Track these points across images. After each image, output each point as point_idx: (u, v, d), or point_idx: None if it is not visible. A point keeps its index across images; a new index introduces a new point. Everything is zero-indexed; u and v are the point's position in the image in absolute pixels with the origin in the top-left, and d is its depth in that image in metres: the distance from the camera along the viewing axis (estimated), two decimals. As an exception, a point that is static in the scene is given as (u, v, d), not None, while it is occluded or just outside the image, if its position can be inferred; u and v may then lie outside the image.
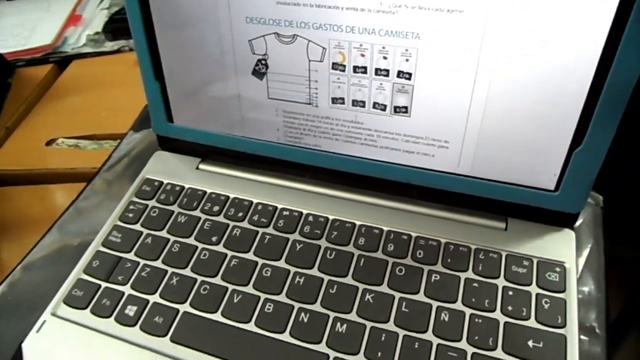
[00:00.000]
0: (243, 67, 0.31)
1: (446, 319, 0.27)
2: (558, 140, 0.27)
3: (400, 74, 0.28)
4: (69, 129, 0.51)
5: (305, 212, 0.32)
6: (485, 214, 0.31)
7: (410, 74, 0.28)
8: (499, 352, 0.26)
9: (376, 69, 0.28)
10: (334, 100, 0.30)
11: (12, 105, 0.56)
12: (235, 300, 0.28)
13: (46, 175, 0.47)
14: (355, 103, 0.30)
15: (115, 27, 0.66)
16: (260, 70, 0.30)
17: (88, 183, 0.39)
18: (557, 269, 0.28)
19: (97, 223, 0.34)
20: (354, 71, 0.29)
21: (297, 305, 0.28)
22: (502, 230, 0.31)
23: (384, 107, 0.29)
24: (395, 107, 0.29)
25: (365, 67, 0.28)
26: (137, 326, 0.28)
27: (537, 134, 0.27)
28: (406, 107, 0.29)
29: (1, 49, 0.59)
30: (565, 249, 0.29)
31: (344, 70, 0.29)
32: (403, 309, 0.27)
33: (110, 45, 0.64)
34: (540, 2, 0.23)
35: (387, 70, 0.28)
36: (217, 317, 0.28)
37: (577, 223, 0.31)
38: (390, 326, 0.27)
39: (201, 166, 0.36)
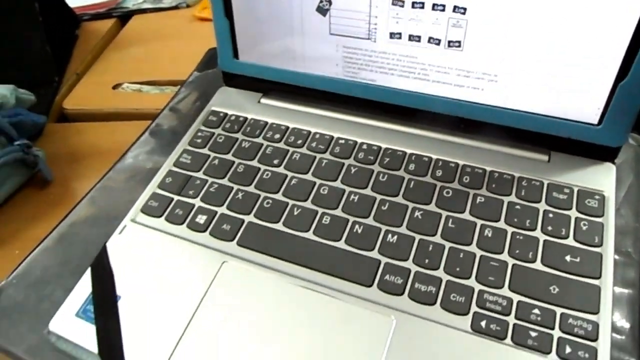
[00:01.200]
0: (308, 4, 0.33)
1: (489, 235, 0.29)
2: (604, 73, 0.29)
3: (455, 8, 0.30)
4: (133, 76, 0.55)
5: (360, 141, 0.35)
6: (530, 147, 0.33)
7: (465, 9, 0.30)
8: (537, 265, 0.28)
9: (433, 4, 0.31)
10: (392, 35, 0.32)
11: (80, 54, 0.60)
12: (295, 213, 0.32)
13: (114, 115, 0.51)
14: (411, 38, 0.32)
15: (174, -17, 0.69)
16: (324, 7, 0.33)
17: (157, 115, 0.42)
18: (597, 197, 0.30)
19: (167, 150, 0.38)
20: (412, 6, 0.31)
21: (351, 219, 0.31)
22: (545, 162, 0.33)
23: (438, 42, 0.32)
24: (449, 42, 0.31)
25: (423, 3, 0.31)
26: (207, 232, 0.32)
27: (583, 67, 0.29)
28: (459, 42, 0.31)
29: (69, 4, 0.63)
30: (605, 180, 0.31)
31: (402, 6, 0.31)
32: (449, 225, 0.30)
33: (168, 2, 0.68)
34: None
35: (444, 5, 0.30)
36: (279, 226, 0.31)
37: (619, 160, 0.33)
38: (437, 239, 0.30)
39: (263, 100, 0.39)
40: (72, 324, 0.29)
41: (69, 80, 0.56)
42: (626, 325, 0.26)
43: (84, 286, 0.30)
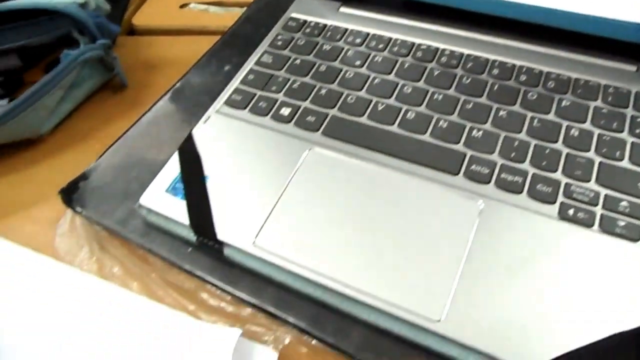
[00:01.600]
0: None
1: (575, 135, 0.29)
2: None
3: None
4: (199, -3, 0.56)
5: (442, 47, 0.35)
6: (618, 58, 0.33)
7: None
8: (625, 163, 0.28)
9: None
10: None
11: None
12: (379, 109, 0.32)
13: (182, 31, 0.51)
14: None
15: None
16: None
17: (236, 22, 0.43)
18: None
19: (244, 54, 0.38)
20: None
21: (436, 115, 0.31)
22: (633, 72, 0.32)
23: None
24: None
25: None
26: (292, 123, 0.33)
27: None
28: None
29: None
30: None
31: None
32: (534, 124, 0.30)
33: None
34: None
35: None
36: (363, 120, 0.32)
37: None
38: (523, 136, 0.30)
39: (342, 9, 0.39)
40: (162, 199, 0.30)
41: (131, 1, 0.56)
42: None
43: (172, 167, 0.32)
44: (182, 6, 0.55)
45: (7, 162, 0.38)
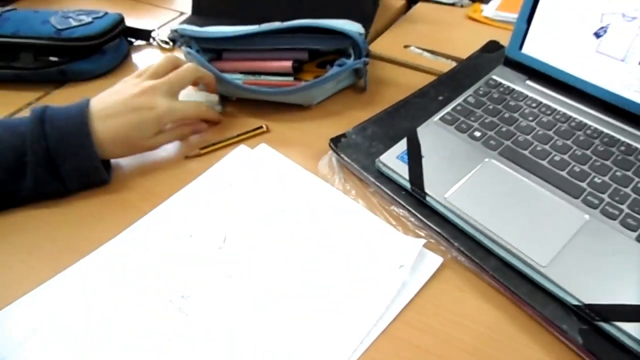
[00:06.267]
0: (589, 29, 0.54)
1: None
2: None
3: None
4: (418, 42, 0.80)
5: (589, 123, 0.55)
6: None
7: None
8: None
9: None
10: None
11: (379, 18, 0.86)
12: (538, 149, 0.53)
13: (403, 64, 0.75)
14: None
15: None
16: (599, 33, 0.53)
17: (452, 69, 0.66)
18: None
19: (457, 92, 0.61)
20: None
21: (573, 163, 0.51)
22: None
23: None
24: None
25: None
26: (480, 141, 0.54)
27: None
28: None
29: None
30: None
31: None
32: (638, 185, 0.49)
33: (448, -1, 0.92)
34: None
35: None
36: (526, 153, 0.53)
37: None
38: (628, 190, 0.49)
39: (527, 82, 0.61)
40: (393, 161, 0.53)
41: (370, 34, 0.82)
42: None
43: (401, 145, 0.54)
44: (405, 47, 0.79)
45: (292, 117, 0.64)
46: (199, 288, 0.44)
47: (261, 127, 0.62)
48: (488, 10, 0.87)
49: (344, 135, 0.58)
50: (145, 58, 0.79)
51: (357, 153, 0.56)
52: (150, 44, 0.82)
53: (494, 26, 0.83)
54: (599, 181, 0.49)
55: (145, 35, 0.82)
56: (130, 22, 0.79)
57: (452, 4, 0.91)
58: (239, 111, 0.65)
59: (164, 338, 0.41)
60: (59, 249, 0.48)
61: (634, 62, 0.52)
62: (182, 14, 0.91)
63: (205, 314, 0.42)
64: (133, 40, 0.82)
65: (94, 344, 0.40)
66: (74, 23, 0.72)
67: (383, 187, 0.52)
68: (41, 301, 0.43)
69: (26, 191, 0.49)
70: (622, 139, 0.53)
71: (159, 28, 0.86)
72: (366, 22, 0.78)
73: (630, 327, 0.39)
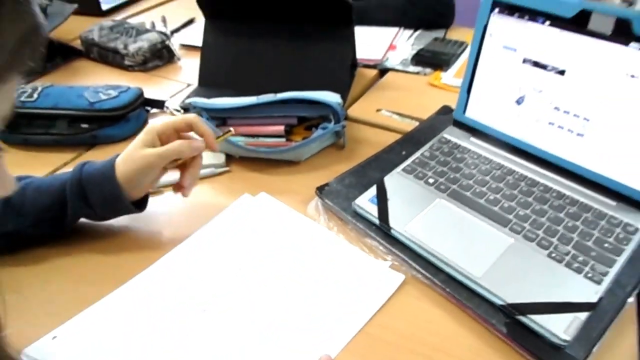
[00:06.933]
0: (511, 98, 0.71)
1: (569, 225, 0.63)
2: None
3: (582, 118, 0.66)
4: (388, 106, 0.97)
5: (517, 170, 0.71)
6: (608, 196, 0.66)
7: (588, 119, 0.65)
8: (590, 243, 0.62)
9: (574, 114, 0.66)
10: (550, 124, 0.69)
11: (355, 86, 1.04)
12: (477, 191, 0.69)
13: (376, 125, 0.92)
14: (551, 124, 0.68)
15: (419, 59, 1.11)
16: (520, 102, 0.71)
17: (410, 132, 0.82)
18: (632, 229, 0.63)
19: (414, 148, 0.77)
20: (562, 112, 0.67)
21: (504, 200, 0.67)
22: (614, 205, 0.66)
23: (570, 131, 0.67)
24: (577, 133, 0.67)
25: (568, 112, 0.67)
26: (433, 186, 0.70)
27: (635, 160, 0.62)
28: (582, 134, 0.66)
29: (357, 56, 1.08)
30: None
31: (559, 110, 0.68)
32: (552, 217, 0.65)
33: (413, 69, 1.10)
34: None
35: (577, 115, 0.66)
36: (468, 194, 0.68)
37: None
38: (544, 220, 0.64)
39: (471, 139, 0.77)
40: (366, 203, 0.69)
41: (348, 100, 0.99)
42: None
43: (372, 191, 0.70)
44: (377, 110, 0.96)
45: (285, 171, 0.79)
46: (217, 305, 0.58)
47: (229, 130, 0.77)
48: (446, 78, 1.05)
49: (327, 184, 0.74)
50: (160, 124, 0.95)
51: (337, 198, 0.71)
52: (164, 112, 0.99)
53: (451, 91, 1.01)
54: (522, 214, 0.65)
55: (159, 104, 0.99)
56: (146, 92, 0.95)
57: (417, 73, 1.09)
58: (242, 167, 0.81)
59: (187, 340, 0.55)
60: (100, 279, 0.62)
61: (545, 122, 0.69)
62: (189, 85, 1.08)
63: (225, 319, 0.56)
64: (149, 108, 0.99)
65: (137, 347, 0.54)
66: (103, 97, 0.88)
67: (358, 224, 0.67)
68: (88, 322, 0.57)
69: (69, 216, 0.64)
70: (541, 181, 0.69)
71: (170, 97, 1.03)
72: (344, 91, 0.96)
73: (540, 318, 0.53)
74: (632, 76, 0.60)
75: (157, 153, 0.62)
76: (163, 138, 0.65)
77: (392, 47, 1.19)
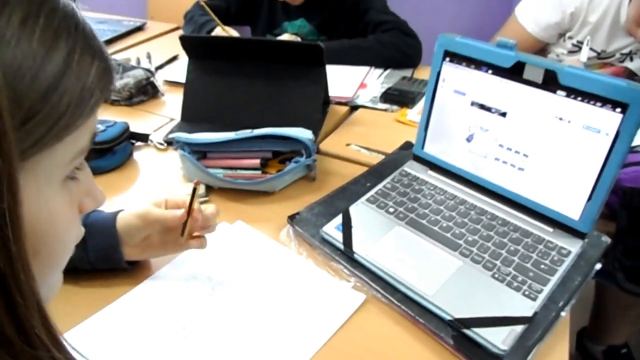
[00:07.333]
0: (462, 136, 0.80)
1: (512, 249, 0.72)
2: (581, 195, 0.71)
3: (522, 154, 0.75)
4: (357, 141, 1.06)
5: (467, 199, 0.80)
6: (546, 222, 0.75)
7: (527, 155, 0.75)
8: (529, 265, 0.70)
9: (515, 151, 0.76)
10: (496, 159, 0.78)
11: (328, 122, 1.13)
12: (432, 219, 0.77)
13: (345, 159, 1.01)
14: (498, 159, 0.77)
15: (387, 96, 1.21)
16: (469, 139, 0.80)
17: (375, 165, 0.91)
18: (565, 251, 0.72)
19: (378, 180, 0.86)
20: (506, 149, 0.76)
21: (455, 227, 0.75)
22: (551, 231, 0.75)
23: (513, 165, 0.76)
24: (519, 167, 0.76)
25: (510, 148, 0.76)
26: (393, 215, 0.78)
27: (568, 192, 0.71)
28: (523, 168, 0.75)
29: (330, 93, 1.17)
30: (576, 245, 0.72)
31: (502, 147, 0.77)
32: (497, 242, 0.73)
33: (381, 106, 1.20)
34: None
35: (518, 151, 0.75)
36: (424, 222, 0.77)
37: (586, 239, 0.73)
38: (490, 245, 0.73)
39: (429, 172, 0.86)
40: (332, 230, 0.76)
41: (320, 135, 1.07)
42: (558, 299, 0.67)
43: (338, 219, 0.78)
44: (347, 145, 1.05)
45: (260, 201, 0.87)
46: (195, 321, 0.65)
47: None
48: (411, 115, 1.15)
49: (298, 213, 0.81)
50: (144, 156, 1.03)
51: (307, 226, 0.79)
52: (148, 145, 1.06)
53: (415, 127, 1.09)
54: (471, 239, 0.73)
55: (144, 137, 1.06)
56: (131, 126, 1.02)
57: (385, 110, 1.19)
58: (220, 197, 0.88)
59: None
60: (79, 303, 0.69)
61: (492, 157, 0.78)
62: (172, 119, 1.16)
63: (201, 336, 0.63)
64: (134, 141, 1.06)
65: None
66: (92, 132, 0.95)
67: (325, 249, 0.75)
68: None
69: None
70: (489, 210, 0.78)
71: (154, 131, 1.10)
72: (316, 126, 1.04)
73: (482, 331, 0.61)
74: (560, 119, 0.69)
75: (157, 211, 0.66)
76: (170, 204, 0.69)
77: (362, 85, 1.29)
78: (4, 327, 0.27)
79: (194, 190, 0.66)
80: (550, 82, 0.69)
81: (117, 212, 0.69)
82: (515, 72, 0.72)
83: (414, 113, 1.15)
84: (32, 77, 0.28)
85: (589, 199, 0.70)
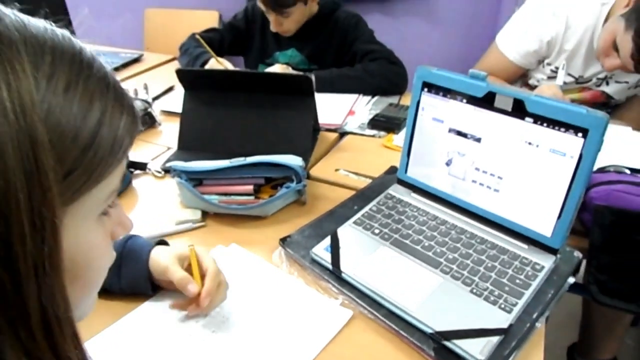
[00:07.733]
0: (441, 160, 0.86)
1: (489, 265, 0.77)
2: (551, 213, 0.77)
3: (497, 176, 0.81)
4: (346, 166, 1.11)
5: (449, 220, 0.85)
6: (521, 240, 0.81)
7: (501, 177, 0.80)
8: (504, 280, 0.75)
9: (490, 174, 0.81)
10: (473, 181, 0.84)
11: (318, 148, 1.19)
12: (415, 238, 0.82)
13: (334, 183, 1.06)
14: (475, 182, 0.83)
15: (375, 123, 1.27)
16: (448, 163, 0.86)
17: (362, 189, 0.97)
18: (539, 267, 0.77)
19: (364, 203, 0.91)
20: (481, 171, 0.82)
21: (437, 246, 0.81)
22: (526, 248, 0.80)
23: (489, 187, 0.82)
24: (494, 189, 0.82)
25: (486, 171, 0.82)
26: (378, 236, 0.83)
27: (540, 210, 0.77)
28: (498, 189, 0.81)
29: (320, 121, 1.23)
30: (549, 261, 0.78)
31: (479, 170, 0.83)
32: (476, 259, 0.78)
33: (369, 132, 1.26)
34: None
35: (493, 174, 0.81)
36: (407, 242, 0.82)
37: (559, 255, 0.79)
38: (469, 262, 0.78)
39: (412, 195, 0.92)
40: (322, 251, 0.81)
41: (310, 161, 1.13)
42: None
43: (327, 241, 0.83)
44: (336, 170, 1.11)
45: (253, 225, 0.92)
46: (195, 335, 0.69)
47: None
48: (397, 140, 1.21)
49: (289, 236, 0.86)
50: (143, 183, 1.08)
51: (298, 247, 0.84)
52: (146, 173, 1.11)
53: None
54: (451, 257, 0.79)
55: (142, 166, 1.12)
56: (130, 155, 1.08)
57: (373, 136, 1.25)
58: (216, 222, 0.94)
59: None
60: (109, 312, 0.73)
61: (469, 180, 0.84)
62: (169, 148, 1.22)
63: (198, 349, 0.67)
64: (133, 170, 1.11)
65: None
66: (93, 163, 1.01)
67: (315, 269, 0.80)
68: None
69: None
70: (468, 229, 0.83)
71: (152, 160, 1.16)
72: (307, 153, 1.10)
73: (461, 343, 0.66)
74: (529, 143, 0.75)
75: (175, 275, 0.70)
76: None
77: (351, 112, 1.35)
78: (43, 355, 0.32)
79: (193, 252, 0.73)
80: (518, 109, 0.75)
81: (152, 248, 0.74)
82: (487, 101, 0.78)
83: (400, 138, 1.21)
84: (72, 138, 0.32)
85: (559, 216, 0.75)
